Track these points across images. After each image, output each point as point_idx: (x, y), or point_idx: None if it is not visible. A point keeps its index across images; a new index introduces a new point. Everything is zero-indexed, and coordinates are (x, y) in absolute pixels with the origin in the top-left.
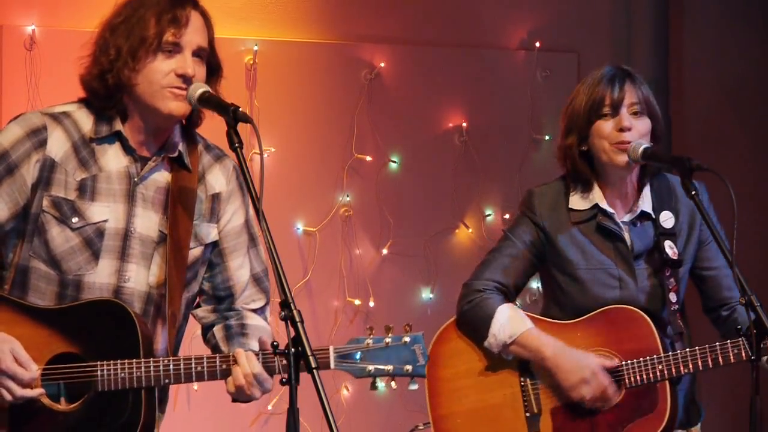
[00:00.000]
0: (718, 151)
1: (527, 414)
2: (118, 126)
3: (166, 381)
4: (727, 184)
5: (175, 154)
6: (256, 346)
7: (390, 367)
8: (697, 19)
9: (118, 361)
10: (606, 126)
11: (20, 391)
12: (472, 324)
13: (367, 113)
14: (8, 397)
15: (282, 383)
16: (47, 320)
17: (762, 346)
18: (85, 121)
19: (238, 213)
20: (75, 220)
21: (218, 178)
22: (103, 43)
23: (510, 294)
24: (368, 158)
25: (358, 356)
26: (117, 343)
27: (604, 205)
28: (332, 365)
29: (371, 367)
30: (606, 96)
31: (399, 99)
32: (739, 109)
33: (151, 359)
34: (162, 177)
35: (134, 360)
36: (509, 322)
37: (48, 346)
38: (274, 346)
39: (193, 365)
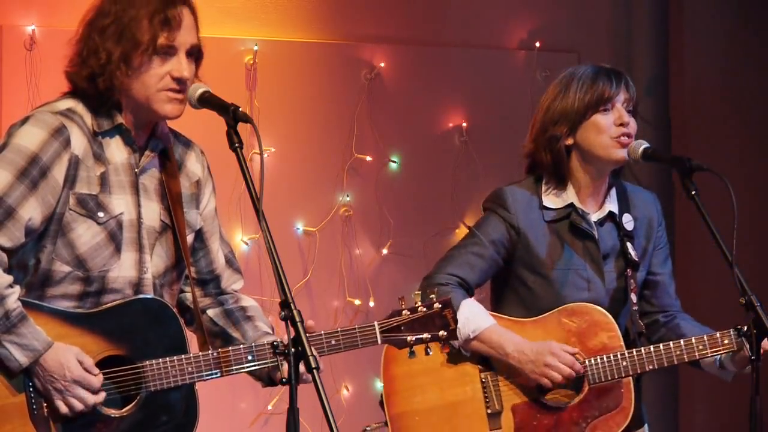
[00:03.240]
0: (718, 151)
1: (488, 411)
2: (120, 119)
3: (216, 374)
4: (728, 184)
5: (168, 145)
6: (265, 327)
7: (428, 335)
8: (697, 18)
9: (167, 359)
10: (606, 120)
11: (92, 399)
12: None
13: (367, 113)
14: (80, 406)
15: (282, 383)
16: (89, 324)
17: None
18: (87, 115)
19: (212, 197)
20: (101, 214)
21: (195, 165)
22: (92, 44)
23: (470, 291)
24: (368, 158)
25: (401, 329)
26: (163, 341)
27: (579, 204)
28: (379, 341)
29: (412, 337)
30: (607, 90)
31: (399, 99)
32: (739, 108)
33: (200, 353)
34: (155, 167)
35: (183, 356)
36: (473, 317)
37: (94, 350)
38: (274, 346)
39: (242, 354)
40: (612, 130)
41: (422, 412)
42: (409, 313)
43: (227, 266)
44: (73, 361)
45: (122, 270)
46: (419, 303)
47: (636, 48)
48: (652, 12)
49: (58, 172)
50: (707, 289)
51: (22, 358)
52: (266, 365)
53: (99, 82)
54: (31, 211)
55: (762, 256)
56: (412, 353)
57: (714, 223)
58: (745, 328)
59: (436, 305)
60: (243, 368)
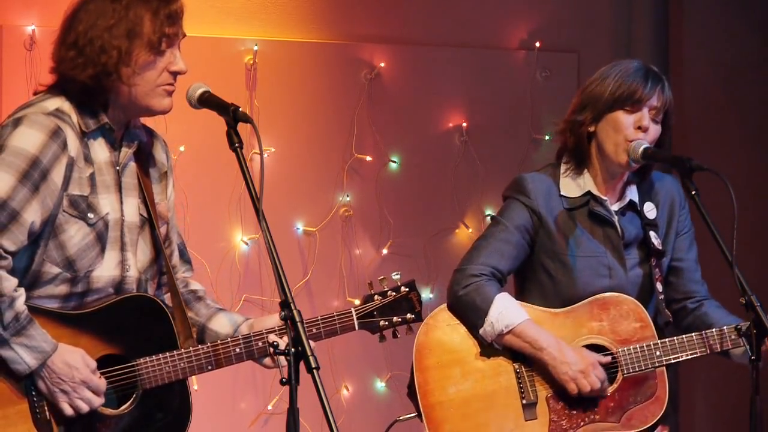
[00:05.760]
0: (718, 150)
1: (524, 401)
2: (105, 119)
3: (209, 368)
4: (727, 184)
5: (145, 139)
6: (216, 304)
7: (397, 318)
8: (697, 19)
9: (160, 356)
10: (626, 120)
11: (98, 401)
12: (468, 310)
13: (367, 113)
14: (85, 408)
15: (282, 383)
16: (84, 324)
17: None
18: (73, 114)
19: (173, 188)
20: (91, 216)
21: (161, 155)
22: (99, 44)
23: (503, 280)
24: (368, 158)
25: (374, 314)
26: (155, 338)
27: (596, 191)
28: (357, 327)
29: (383, 321)
30: (639, 90)
31: (399, 99)
32: (739, 108)
33: (191, 348)
34: (131, 161)
35: (174, 352)
36: (507, 311)
37: (90, 350)
38: (274, 346)
39: (231, 347)
40: (628, 132)
41: (457, 403)
42: (380, 298)
43: (179, 257)
44: (80, 362)
45: (105, 269)
46: (386, 288)
47: (636, 48)
48: (652, 12)
49: (57, 175)
50: (707, 289)
51: (30, 360)
52: (254, 358)
53: (107, 80)
54: (33, 214)
55: (762, 256)
56: (382, 338)
57: (714, 223)
58: (745, 327)
59: (403, 288)
60: (233, 361)
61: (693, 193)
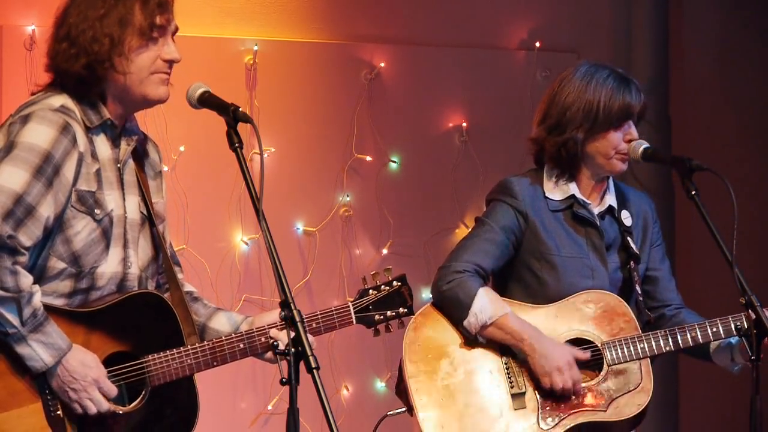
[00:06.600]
0: (718, 151)
1: (512, 391)
2: (106, 113)
3: (215, 363)
4: (728, 184)
5: (141, 137)
6: (212, 304)
7: (391, 312)
8: (697, 19)
9: (168, 352)
10: (617, 136)
11: (106, 406)
12: (452, 304)
13: (367, 113)
14: (93, 409)
15: (282, 383)
16: (95, 322)
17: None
18: (77, 110)
19: (165, 189)
20: (98, 211)
21: (155, 155)
22: (91, 33)
23: (486, 278)
24: (368, 158)
25: (370, 308)
26: (161, 335)
27: (580, 195)
28: (354, 321)
29: (378, 316)
30: (630, 107)
31: (399, 99)
32: (739, 108)
33: (197, 345)
34: (130, 158)
35: (182, 348)
36: (490, 303)
37: (100, 348)
38: (274, 346)
39: (235, 343)
40: (620, 147)
41: (446, 395)
42: (375, 292)
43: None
44: (94, 361)
45: (109, 266)
46: (379, 282)
47: (636, 48)
48: (652, 12)
49: (68, 170)
50: (707, 289)
51: (47, 357)
52: (257, 353)
53: (100, 69)
54: (48, 209)
55: (762, 256)
56: (376, 332)
57: (714, 223)
58: (745, 327)
59: (395, 283)
60: (237, 356)
61: (693, 193)
